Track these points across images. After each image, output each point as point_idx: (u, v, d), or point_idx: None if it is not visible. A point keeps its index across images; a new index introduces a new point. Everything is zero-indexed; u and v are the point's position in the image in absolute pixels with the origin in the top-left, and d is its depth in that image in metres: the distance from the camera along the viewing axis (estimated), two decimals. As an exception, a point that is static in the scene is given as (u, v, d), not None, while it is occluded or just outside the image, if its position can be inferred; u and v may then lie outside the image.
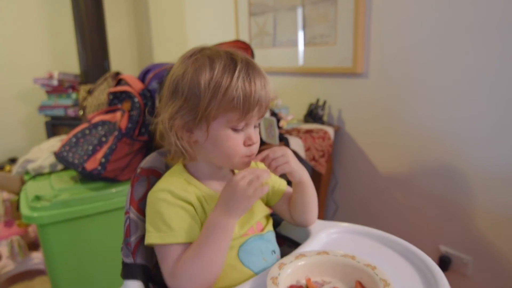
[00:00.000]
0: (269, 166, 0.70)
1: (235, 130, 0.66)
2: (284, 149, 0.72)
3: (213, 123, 0.65)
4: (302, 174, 0.74)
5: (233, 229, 0.64)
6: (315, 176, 1.87)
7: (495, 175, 1.40)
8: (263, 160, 0.71)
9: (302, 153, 1.73)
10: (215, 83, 0.63)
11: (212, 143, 0.67)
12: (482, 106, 1.41)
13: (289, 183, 0.85)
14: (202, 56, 0.66)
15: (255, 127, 0.71)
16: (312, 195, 0.77)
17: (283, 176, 0.85)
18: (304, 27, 2.04)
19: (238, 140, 0.67)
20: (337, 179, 2.07)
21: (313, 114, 1.98)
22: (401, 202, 1.76)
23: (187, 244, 0.64)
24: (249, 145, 0.68)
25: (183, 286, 0.61)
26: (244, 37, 2.45)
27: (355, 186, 1.99)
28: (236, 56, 0.66)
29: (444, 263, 1.56)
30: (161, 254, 0.64)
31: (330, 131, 1.87)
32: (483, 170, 1.44)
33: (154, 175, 0.76)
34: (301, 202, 0.77)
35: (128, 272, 0.67)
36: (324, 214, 2.06)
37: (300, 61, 2.11)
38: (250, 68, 0.65)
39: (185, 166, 0.73)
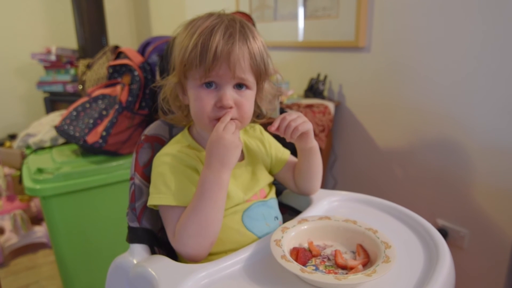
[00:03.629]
0: (287, 127, 0.68)
1: (205, 90, 0.64)
2: (299, 112, 0.72)
3: (187, 83, 0.67)
4: (315, 140, 0.75)
5: (227, 183, 0.63)
6: (315, 151, 1.88)
7: (493, 148, 1.41)
8: (279, 126, 0.69)
9: (302, 128, 1.73)
10: (184, 40, 0.64)
11: (190, 103, 0.69)
12: (483, 82, 1.41)
13: (293, 153, 0.85)
14: (192, 19, 0.67)
15: (244, 89, 0.67)
16: (319, 164, 0.77)
17: (288, 147, 0.86)
18: (306, 0, 2.01)
19: (205, 101, 0.64)
20: (336, 155, 2.08)
21: (313, 89, 1.97)
22: (400, 176, 1.78)
23: (184, 208, 0.64)
24: (220, 107, 0.64)
25: (184, 245, 0.61)
26: (244, 9, 2.41)
27: (354, 161, 2.00)
28: (213, 14, 0.66)
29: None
30: (164, 215, 0.66)
31: (331, 106, 1.87)
32: (481, 144, 1.44)
33: (158, 142, 0.76)
34: (308, 170, 0.77)
35: (133, 236, 0.68)
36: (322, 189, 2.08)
37: (301, 35, 2.09)
38: (219, 23, 0.63)
39: (190, 132, 0.74)
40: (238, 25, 0.64)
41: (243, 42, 0.63)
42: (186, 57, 0.62)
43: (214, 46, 0.60)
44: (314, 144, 0.74)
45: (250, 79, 0.66)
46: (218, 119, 0.65)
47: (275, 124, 0.68)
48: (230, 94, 0.64)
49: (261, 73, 0.67)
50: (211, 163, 0.62)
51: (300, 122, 0.69)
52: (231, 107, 0.64)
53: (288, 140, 0.72)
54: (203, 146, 0.72)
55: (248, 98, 0.67)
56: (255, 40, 0.65)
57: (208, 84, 0.64)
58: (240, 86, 0.66)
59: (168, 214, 0.65)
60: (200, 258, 0.63)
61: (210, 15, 0.66)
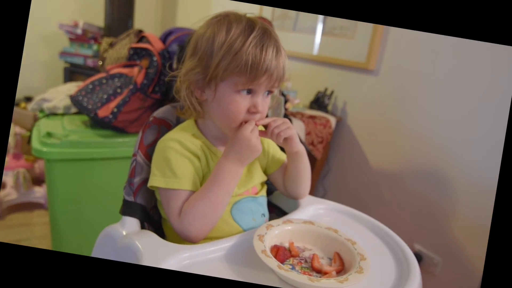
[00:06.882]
0: (271, 134, 0.70)
1: (241, 95, 0.65)
2: (285, 118, 0.72)
3: (221, 84, 0.65)
4: (300, 144, 0.75)
5: (240, 175, 0.67)
6: (310, 160, 1.87)
7: (477, 185, 1.42)
8: (266, 131, 0.71)
9: (302, 136, 1.74)
10: (228, 44, 0.63)
11: (217, 103, 0.67)
12: (480, 122, 1.42)
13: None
14: (224, 19, 0.66)
15: (266, 95, 0.69)
16: (306, 168, 0.78)
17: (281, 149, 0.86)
18: (326, 17, 2.02)
19: (241, 106, 0.66)
20: (330, 167, 2.09)
21: (319, 102, 1.98)
22: (386, 197, 1.79)
23: (189, 192, 0.66)
24: (253, 112, 0.67)
25: (190, 224, 0.63)
26: (267, 16, 2.42)
27: (345, 176, 2.01)
28: (255, 23, 0.65)
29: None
30: (167, 198, 0.66)
31: (332, 120, 1.88)
32: (467, 180, 1.45)
33: (165, 126, 0.77)
34: (295, 173, 0.78)
35: (127, 209, 0.68)
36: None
37: (316, 49, 2.10)
38: (266, 36, 0.64)
39: (196, 122, 0.74)
40: (279, 39, 0.67)
41: (284, 58, 0.66)
42: (235, 64, 0.62)
43: (266, 63, 0.63)
44: (299, 149, 0.75)
45: None
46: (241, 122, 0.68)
47: (261, 123, 0.70)
48: (262, 100, 0.67)
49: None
50: (231, 156, 0.66)
51: (283, 128, 0.70)
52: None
53: (276, 143, 0.75)
54: (207, 137, 0.73)
55: (268, 103, 0.71)
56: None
57: (247, 91, 0.66)
58: (268, 92, 0.69)
59: (171, 196, 0.65)
60: (198, 240, 0.64)
61: (250, 23, 0.65)
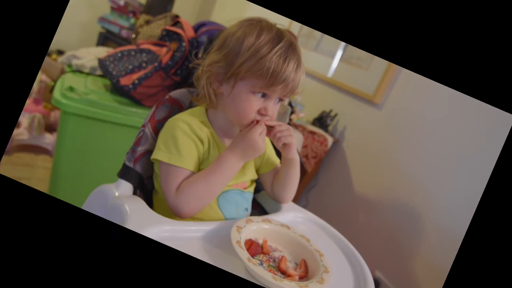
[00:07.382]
0: (273, 136, 0.71)
1: (256, 96, 0.66)
2: (289, 126, 0.73)
3: (240, 83, 0.66)
4: (296, 153, 0.75)
5: (238, 169, 0.68)
6: (301, 171, 1.88)
7: (444, 232, 1.42)
8: (270, 129, 0.71)
9: (299, 147, 1.74)
10: (255, 48, 0.63)
11: (232, 99, 0.67)
12: (462, 176, 1.42)
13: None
14: (257, 24, 0.66)
15: (277, 102, 0.69)
16: (296, 176, 0.78)
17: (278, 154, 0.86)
18: (347, 45, 2.02)
19: (253, 105, 0.66)
20: (317, 181, 2.09)
21: (321, 120, 1.98)
22: (361, 221, 1.79)
23: (189, 172, 0.66)
24: (262, 114, 0.67)
25: (185, 202, 0.63)
26: (294, 32, 2.42)
27: (329, 193, 2.01)
28: (284, 35, 0.66)
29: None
30: (167, 173, 0.66)
31: (330, 140, 1.88)
32: (437, 225, 1.45)
33: (177, 106, 0.77)
34: (284, 178, 0.78)
35: (125, 173, 0.68)
36: (294, 205, 2.09)
37: (331, 72, 2.10)
38: (291, 50, 0.65)
39: (206, 111, 0.74)
40: (301, 54, 0.67)
41: (302, 73, 0.67)
42: (257, 67, 0.63)
43: (286, 73, 0.63)
44: (294, 157, 0.75)
45: None
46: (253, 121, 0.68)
47: (270, 123, 0.70)
48: (272, 105, 0.68)
49: None
50: (236, 151, 0.67)
51: (285, 134, 0.71)
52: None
53: (275, 145, 0.75)
54: (213, 127, 0.73)
55: (277, 109, 0.71)
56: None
57: (261, 94, 0.66)
58: (279, 99, 0.69)
59: (172, 172, 0.65)
60: (187, 217, 0.65)
61: (279, 34, 0.65)
